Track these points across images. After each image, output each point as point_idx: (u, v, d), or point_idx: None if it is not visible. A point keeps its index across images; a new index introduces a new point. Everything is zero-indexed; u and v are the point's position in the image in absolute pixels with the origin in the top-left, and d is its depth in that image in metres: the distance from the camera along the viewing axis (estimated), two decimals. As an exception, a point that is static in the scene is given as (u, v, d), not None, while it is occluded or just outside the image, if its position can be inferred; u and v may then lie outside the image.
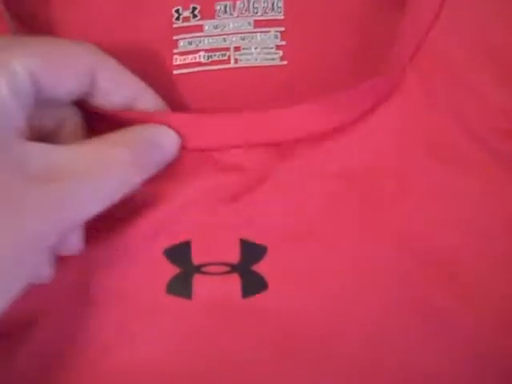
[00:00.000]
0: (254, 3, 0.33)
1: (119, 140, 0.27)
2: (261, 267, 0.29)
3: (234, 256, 0.30)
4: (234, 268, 0.30)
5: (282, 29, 0.33)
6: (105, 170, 0.26)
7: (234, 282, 0.29)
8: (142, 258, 0.30)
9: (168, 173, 0.29)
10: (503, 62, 0.30)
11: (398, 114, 0.30)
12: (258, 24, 0.33)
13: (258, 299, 0.29)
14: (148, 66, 0.32)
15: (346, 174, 0.30)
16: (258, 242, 0.30)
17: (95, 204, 0.26)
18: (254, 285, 0.29)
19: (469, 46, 0.31)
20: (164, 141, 0.29)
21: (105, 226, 0.29)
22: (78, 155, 0.26)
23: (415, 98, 0.30)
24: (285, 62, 0.32)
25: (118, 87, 0.29)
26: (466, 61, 0.30)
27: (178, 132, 0.29)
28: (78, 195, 0.25)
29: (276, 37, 0.33)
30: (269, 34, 0.33)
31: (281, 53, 0.33)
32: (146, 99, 0.29)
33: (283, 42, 0.33)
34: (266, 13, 0.33)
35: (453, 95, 0.30)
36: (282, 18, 0.33)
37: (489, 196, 0.30)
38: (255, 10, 0.33)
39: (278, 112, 0.29)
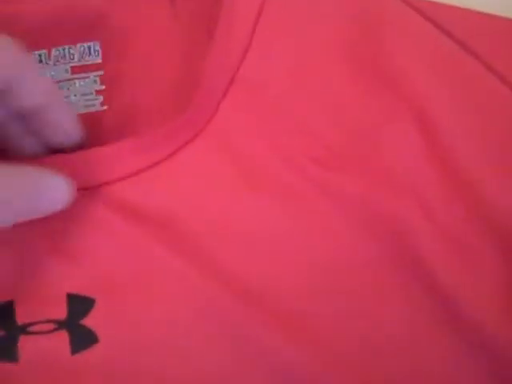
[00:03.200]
0: (69, 49, 0.32)
1: None
2: (90, 321, 0.29)
3: (60, 312, 0.29)
4: (61, 324, 0.29)
5: (101, 73, 0.32)
6: None
7: (62, 339, 0.29)
8: None
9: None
10: (319, 89, 0.31)
11: (211, 147, 0.30)
12: (75, 70, 0.32)
13: (88, 354, 0.28)
14: None
15: (158, 212, 0.30)
16: (86, 294, 0.29)
17: None
18: (83, 340, 0.29)
19: (283, 73, 0.31)
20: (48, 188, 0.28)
21: None
22: None
23: (228, 130, 0.30)
24: (105, 107, 0.32)
25: (35, 90, 0.28)
26: (282, 89, 0.31)
27: None
28: None
29: (95, 82, 0.32)
30: (87, 79, 0.32)
31: (101, 98, 0.32)
32: (58, 109, 0.29)
33: (102, 87, 0.32)
34: (82, 58, 0.32)
35: (269, 125, 0.30)
36: (100, 61, 0.32)
37: (311, 223, 0.30)
38: (71, 57, 0.32)
39: (90, 155, 0.29)
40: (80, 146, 0.30)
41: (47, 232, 0.29)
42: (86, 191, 0.29)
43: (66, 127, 0.29)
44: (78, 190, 0.28)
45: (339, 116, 0.31)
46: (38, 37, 0.32)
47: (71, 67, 0.32)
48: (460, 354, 0.28)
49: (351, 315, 0.29)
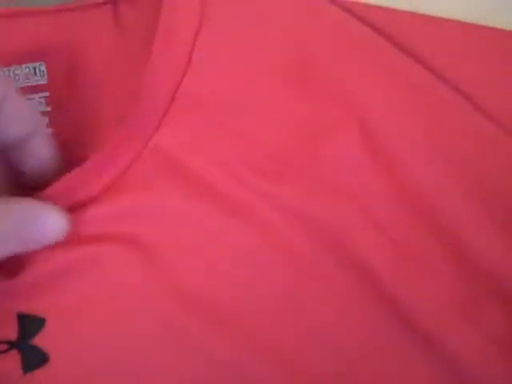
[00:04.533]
0: (14, 70, 0.33)
1: None
2: (40, 340, 0.30)
3: (11, 332, 0.30)
4: (12, 345, 0.30)
5: (47, 94, 0.33)
6: None
7: (14, 359, 0.29)
8: None
9: None
10: (259, 103, 0.32)
11: (155, 165, 0.31)
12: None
13: (39, 373, 0.29)
14: None
15: (107, 237, 0.31)
16: (36, 314, 0.30)
17: None
18: (34, 359, 0.29)
19: (224, 88, 0.32)
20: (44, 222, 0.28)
21: None
22: None
23: (169, 149, 0.31)
24: (50, 130, 0.32)
25: (21, 119, 0.28)
26: (223, 104, 0.32)
27: None
28: None
29: (40, 103, 0.33)
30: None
31: (46, 120, 0.33)
32: (40, 140, 0.29)
33: (48, 109, 0.33)
34: (28, 79, 0.33)
35: (211, 141, 0.31)
36: (46, 82, 0.33)
37: (253, 230, 0.31)
38: (16, 77, 0.33)
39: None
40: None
41: None
42: None
43: (45, 157, 0.30)
44: None
45: (280, 128, 0.32)
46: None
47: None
48: (414, 360, 0.30)
49: (302, 325, 0.30)
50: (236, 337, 0.30)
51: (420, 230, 0.31)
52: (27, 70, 0.33)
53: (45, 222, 0.28)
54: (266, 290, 0.31)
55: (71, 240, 0.30)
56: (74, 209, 0.30)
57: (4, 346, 0.30)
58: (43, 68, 0.33)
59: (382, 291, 0.30)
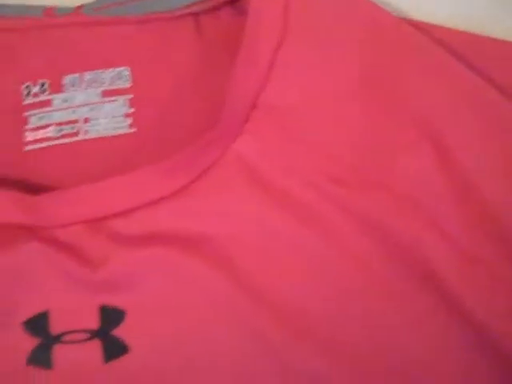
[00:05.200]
0: (101, 74, 0.34)
1: None
2: (121, 331, 0.30)
3: (93, 322, 0.30)
4: (94, 334, 0.30)
5: (130, 96, 0.34)
6: None
7: (95, 348, 0.30)
8: (5, 332, 0.30)
9: (17, 249, 0.30)
10: (335, 114, 0.32)
11: (234, 170, 0.32)
12: (105, 94, 0.34)
13: (119, 363, 0.30)
14: (0, 144, 0.33)
15: (186, 236, 0.31)
16: (117, 306, 0.31)
17: None
18: (115, 349, 0.30)
19: (302, 99, 0.32)
20: None
21: None
22: None
23: (249, 154, 0.32)
24: (134, 130, 0.34)
25: None
26: (300, 114, 0.32)
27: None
28: None
29: (124, 105, 0.34)
30: (117, 102, 0.34)
31: (129, 120, 0.34)
32: None
33: (132, 110, 0.34)
34: (113, 82, 0.34)
35: (288, 150, 0.32)
36: (129, 85, 0.34)
37: (330, 241, 0.31)
38: (103, 81, 0.34)
39: (114, 182, 0.31)
40: None
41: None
42: (114, 219, 0.31)
43: None
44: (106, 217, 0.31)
45: (355, 140, 0.32)
46: (70, 61, 0.34)
47: (102, 91, 0.34)
48: (475, 367, 0.30)
49: (366, 325, 0.31)
50: (309, 337, 0.30)
51: (487, 239, 0.31)
52: (113, 73, 0.35)
53: None
54: (338, 296, 0.31)
55: (148, 237, 0.31)
56: (149, 206, 0.31)
57: (86, 335, 0.30)
58: (127, 73, 0.35)
59: (447, 292, 0.30)
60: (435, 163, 0.32)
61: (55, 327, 0.30)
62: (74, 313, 0.30)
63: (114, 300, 0.31)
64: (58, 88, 0.34)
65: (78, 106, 0.34)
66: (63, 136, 0.34)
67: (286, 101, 0.33)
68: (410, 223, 0.31)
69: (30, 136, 0.34)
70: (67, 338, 0.30)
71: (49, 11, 0.34)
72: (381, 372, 0.30)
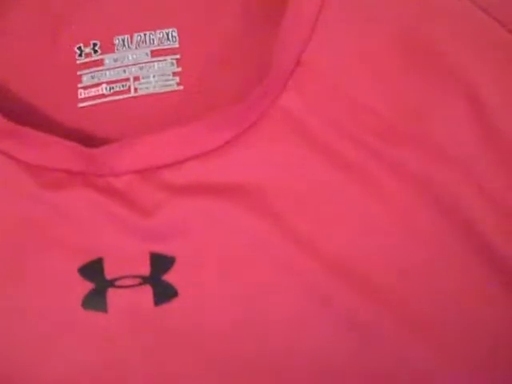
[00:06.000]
0: (150, 35, 0.36)
1: None
2: (171, 277, 0.32)
3: (144, 268, 0.32)
4: (145, 280, 0.32)
5: (178, 56, 0.36)
6: None
7: (146, 292, 0.32)
8: (57, 277, 0.32)
9: (74, 196, 0.32)
10: (376, 72, 0.33)
11: (279, 123, 0.33)
12: (154, 54, 0.36)
13: (169, 306, 0.32)
14: (55, 100, 0.35)
15: (234, 186, 0.33)
16: (166, 253, 0.32)
17: None
18: (165, 293, 0.32)
19: (343, 58, 0.34)
20: None
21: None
22: None
23: (294, 109, 0.33)
24: (181, 87, 0.36)
25: None
26: (342, 72, 0.33)
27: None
28: None
29: (172, 64, 0.36)
30: (165, 62, 0.36)
31: (177, 79, 0.36)
32: None
33: (179, 69, 0.36)
34: (161, 43, 0.36)
35: (331, 104, 0.33)
36: (177, 46, 0.36)
37: (374, 196, 0.32)
38: (151, 41, 0.36)
39: (171, 133, 0.32)
40: None
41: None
42: (166, 170, 0.33)
43: None
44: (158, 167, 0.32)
45: (395, 97, 0.33)
46: (120, 23, 0.36)
47: (151, 51, 0.36)
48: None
49: (419, 282, 0.32)
50: (356, 283, 0.32)
51: None
52: (161, 35, 0.36)
53: None
54: (387, 248, 0.32)
55: (197, 188, 0.33)
56: (199, 158, 0.33)
57: (138, 280, 0.32)
58: (175, 34, 0.36)
59: (485, 243, 0.32)
60: (470, 119, 0.33)
61: (109, 272, 0.32)
62: (127, 259, 0.32)
63: (164, 247, 0.32)
64: (109, 48, 0.36)
65: (128, 66, 0.36)
66: (115, 93, 0.35)
67: (328, 58, 0.34)
68: (448, 177, 0.32)
69: (83, 93, 0.35)
70: (120, 282, 0.32)
71: (100, -24, 0.36)
72: (423, 316, 0.31)
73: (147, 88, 0.35)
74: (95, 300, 0.32)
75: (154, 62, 0.36)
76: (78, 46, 0.36)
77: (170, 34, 0.36)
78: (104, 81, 0.36)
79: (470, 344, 0.32)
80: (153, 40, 0.36)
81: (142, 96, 0.35)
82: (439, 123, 0.33)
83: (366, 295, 0.32)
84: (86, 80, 0.36)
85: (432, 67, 0.33)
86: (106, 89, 0.35)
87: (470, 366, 0.31)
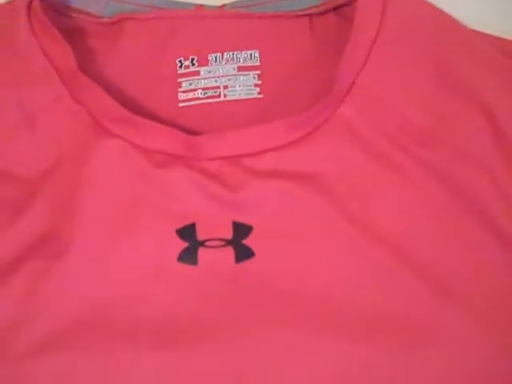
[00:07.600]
0: (237, 54, 0.45)
1: None
2: (249, 241, 0.40)
3: (228, 234, 0.40)
4: (228, 242, 0.40)
5: (259, 72, 0.45)
6: None
7: (229, 252, 0.40)
8: (156, 235, 0.40)
9: (176, 174, 0.40)
10: (414, 91, 0.42)
11: (338, 127, 0.41)
12: (240, 69, 0.45)
13: (247, 263, 0.39)
14: (161, 101, 0.45)
15: (303, 174, 0.40)
16: (246, 223, 0.40)
17: None
18: (243, 254, 0.39)
19: (390, 81, 0.42)
20: None
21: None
22: None
23: (349, 118, 0.41)
24: (261, 96, 0.45)
25: None
26: (387, 92, 0.42)
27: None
28: None
29: (254, 78, 0.45)
30: (249, 75, 0.45)
31: (258, 89, 0.45)
32: None
33: (260, 82, 0.45)
34: (245, 61, 0.45)
35: (379, 116, 0.41)
36: (258, 64, 0.45)
37: (411, 188, 0.40)
38: (238, 59, 0.45)
39: (254, 129, 0.41)
40: None
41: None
42: (249, 157, 0.41)
43: None
44: (243, 155, 0.41)
45: (430, 112, 0.41)
46: (214, 43, 0.45)
47: (237, 66, 0.45)
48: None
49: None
50: (400, 253, 0.39)
51: None
52: (246, 54, 0.45)
53: None
54: (416, 223, 0.40)
55: (274, 173, 0.40)
56: (276, 150, 0.41)
57: (222, 243, 0.40)
58: (257, 55, 0.45)
59: (496, 226, 0.39)
60: (486, 129, 0.41)
61: (200, 235, 0.40)
62: (215, 225, 0.40)
63: (244, 218, 0.40)
64: (204, 62, 0.45)
65: (219, 77, 0.45)
66: (208, 97, 0.45)
67: (378, 81, 0.42)
68: (469, 172, 0.40)
69: (182, 96, 0.45)
70: (209, 243, 0.40)
71: (199, 7, 0.46)
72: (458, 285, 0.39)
73: (234, 95, 0.45)
74: (188, 256, 0.39)
75: (239, 75, 0.45)
76: (178, 59, 0.45)
77: (252, 55, 0.45)
78: (200, 87, 0.45)
79: (496, 312, 0.39)
80: (239, 58, 0.45)
81: (230, 101, 0.45)
82: (462, 132, 0.41)
83: (408, 265, 0.39)
84: (185, 86, 0.45)
85: (458, 91, 0.42)
86: (201, 93, 0.45)
87: (497, 332, 0.39)
